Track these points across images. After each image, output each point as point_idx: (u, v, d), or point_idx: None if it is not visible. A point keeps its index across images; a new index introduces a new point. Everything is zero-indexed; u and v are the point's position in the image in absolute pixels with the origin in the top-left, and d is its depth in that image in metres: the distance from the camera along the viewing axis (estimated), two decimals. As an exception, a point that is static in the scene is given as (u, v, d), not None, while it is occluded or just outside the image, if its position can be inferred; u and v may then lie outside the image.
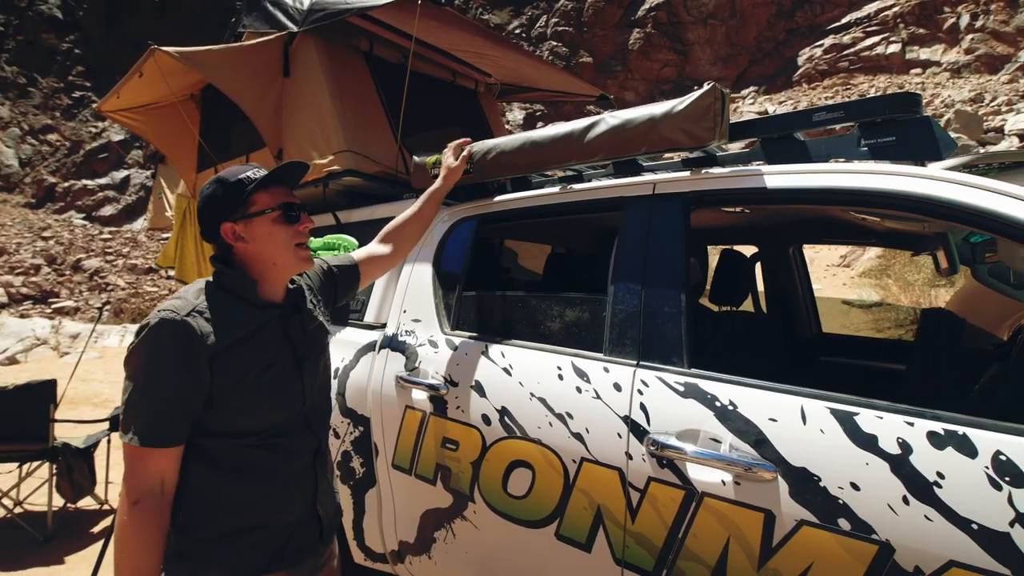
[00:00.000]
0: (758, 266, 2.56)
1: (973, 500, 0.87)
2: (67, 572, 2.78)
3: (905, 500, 0.91)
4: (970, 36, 17.57)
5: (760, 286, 2.62)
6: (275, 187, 1.14)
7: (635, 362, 1.31)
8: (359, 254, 1.55)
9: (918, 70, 18.42)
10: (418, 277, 1.94)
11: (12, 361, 8.85)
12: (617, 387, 1.29)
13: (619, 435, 1.25)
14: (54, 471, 3.17)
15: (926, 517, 0.89)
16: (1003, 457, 0.87)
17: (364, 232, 2.22)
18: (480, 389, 1.56)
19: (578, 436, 1.32)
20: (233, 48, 2.59)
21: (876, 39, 19.54)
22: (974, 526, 0.86)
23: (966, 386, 1.59)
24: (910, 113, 1.16)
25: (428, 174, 1.98)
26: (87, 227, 21.56)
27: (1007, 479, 0.85)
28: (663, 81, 23.78)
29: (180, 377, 1.00)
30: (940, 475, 0.90)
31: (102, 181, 22.58)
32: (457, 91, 3.26)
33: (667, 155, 1.61)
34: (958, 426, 0.92)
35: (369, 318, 2.04)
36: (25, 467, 3.30)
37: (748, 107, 20.80)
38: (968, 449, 0.89)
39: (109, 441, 3.62)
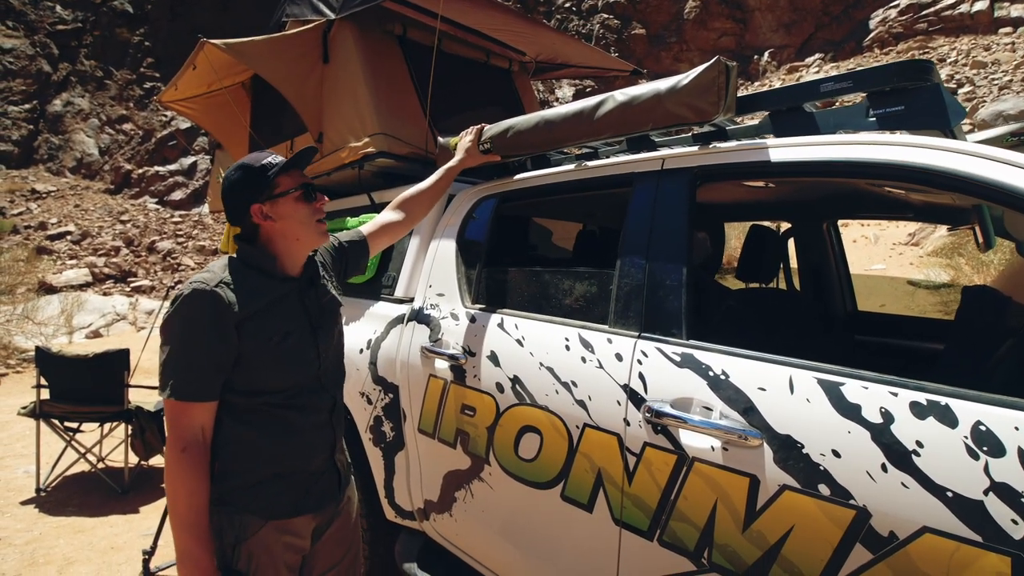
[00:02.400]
0: (791, 242, 2.50)
1: (950, 469, 0.88)
2: (141, 520, 3.12)
3: (883, 468, 0.93)
4: (1071, -12, 15.77)
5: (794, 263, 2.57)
6: (293, 170, 1.27)
7: (637, 333, 1.35)
8: (368, 227, 1.66)
9: (1008, 29, 16.74)
10: (443, 253, 2.03)
11: (96, 334, 9.73)
12: (619, 357, 1.35)
13: (618, 402, 1.30)
14: (129, 431, 3.53)
15: (903, 484, 0.91)
16: (983, 427, 0.87)
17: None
18: (495, 359, 1.64)
19: (581, 403, 1.38)
20: (276, 38, 2.73)
21: (959, -4, 17.84)
22: (949, 494, 0.87)
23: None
24: (919, 81, 1.13)
25: (450, 154, 2.06)
26: (160, 211, 23.06)
27: (984, 448, 0.86)
28: (721, 51, 22.64)
29: (210, 339, 1.12)
30: (919, 444, 0.91)
31: (172, 167, 23.99)
32: (491, 71, 3.30)
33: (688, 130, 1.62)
34: (941, 396, 0.92)
35: (399, 293, 2.16)
36: (105, 427, 3.70)
37: (813, 76, 19.57)
38: (949, 419, 0.90)
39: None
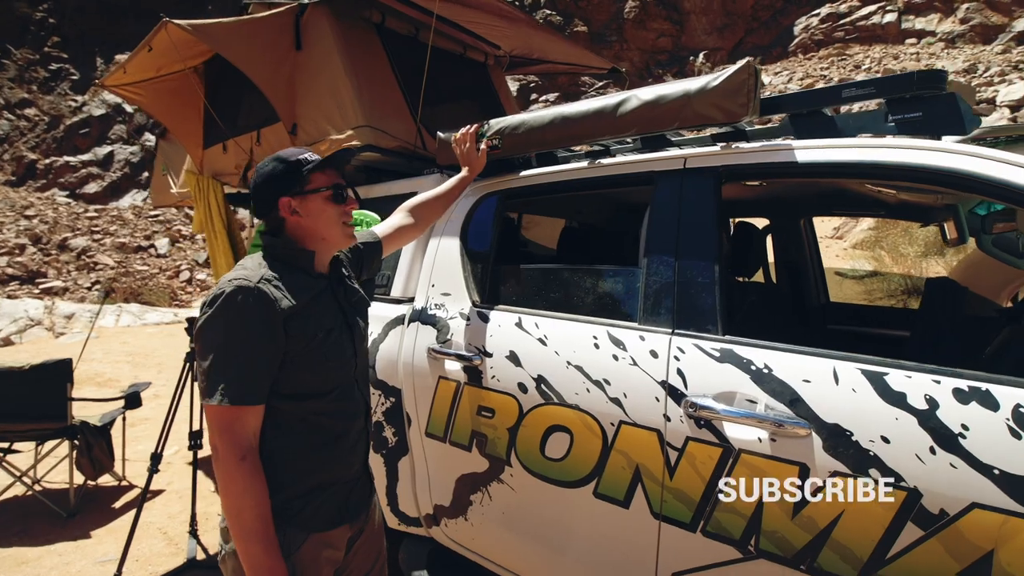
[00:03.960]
0: (769, 238, 2.63)
1: (995, 448, 0.95)
2: (95, 546, 2.87)
3: (932, 450, 1.00)
4: (965, 5, 17.44)
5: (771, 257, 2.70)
6: (329, 169, 1.25)
7: (670, 330, 1.38)
8: (381, 229, 1.64)
9: (913, 40, 18.33)
10: (445, 252, 1.98)
11: (7, 342, 8.80)
12: (654, 354, 1.36)
13: (657, 399, 1.32)
14: (74, 449, 3.22)
15: (951, 465, 0.98)
16: (1023, 409, 0.95)
17: (384, 208, 2.26)
18: (515, 359, 1.62)
19: (616, 401, 1.39)
20: (245, 21, 2.57)
21: (872, 8, 19.34)
22: (995, 471, 0.94)
23: (968, 350, 1.68)
24: (936, 89, 1.22)
25: (452, 150, 2.00)
26: (71, 205, 21.14)
27: (1026, 429, 0.94)
28: (659, 51, 23.45)
29: (260, 338, 1.07)
30: (964, 427, 0.98)
31: (84, 157, 22.05)
32: (467, 64, 3.25)
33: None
34: (981, 383, 1.00)
35: (396, 292, 2.09)
36: (42, 447, 3.35)
37: (742, 78, 20.53)
38: (991, 403, 0.98)
39: (124, 419, 3.68)
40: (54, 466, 3.38)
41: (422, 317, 1.94)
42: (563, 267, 1.80)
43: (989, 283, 2.10)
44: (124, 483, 3.58)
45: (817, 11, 20.51)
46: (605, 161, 1.68)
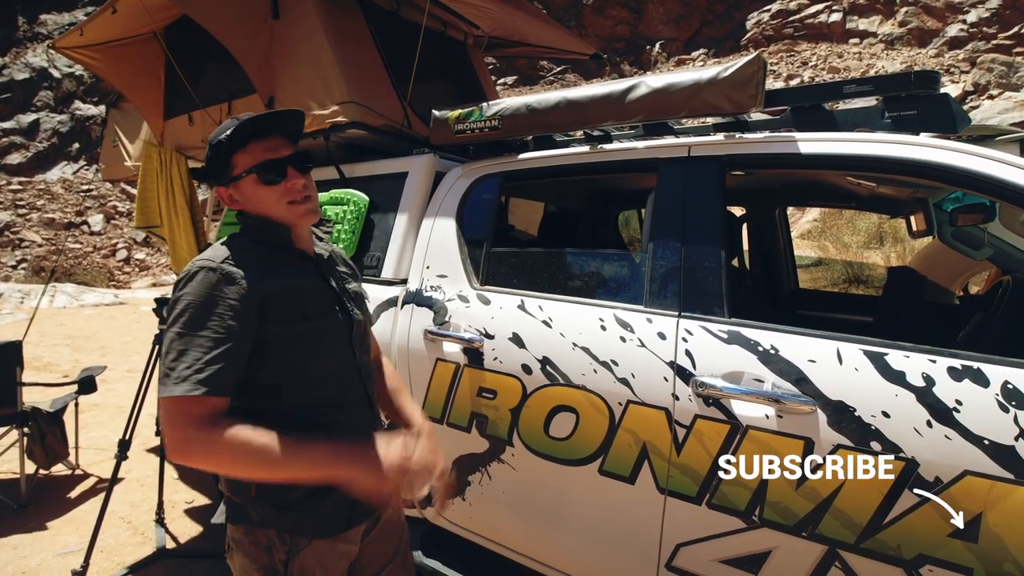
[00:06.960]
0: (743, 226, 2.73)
1: (985, 421, 1.05)
2: (53, 537, 2.71)
3: (929, 424, 1.09)
4: (904, 9, 18.40)
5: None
6: (254, 143, 1.06)
7: (676, 313, 1.43)
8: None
9: (856, 40, 19.21)
10: (440, 234, 1.96)
11: (-75, 324, 8.08)
12: (661, 336, 1.41)
13: (665, 379, 1.37)
14: (25, 436, 3.02)
15: (946, 437, 1.07)
16: (1010, 386, 1.05)
17: (369, 187, 2.21)
18: (519, 341, 1.64)
19: (624, 381, 1.43)
20: (219, -15, 2.41)
21: (820, 7, 20.09)
22: (985, 442, 1.04)
23: (928, 334, 1.82)
24: (930, 89, 1.30)
25: (450, 129, 1.98)
26: (-8, 176, 19.44)
27: (1013, 403, 1.04)
28: (616, 39, 23.62)
29: (223, 321, 0.97)
30: (958, 402, 1.07)
31: (6, 125, 20.28)
32: (447, 42, 3.19)
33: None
34: (973, 362, 1.09)
35: (387, 274, 2.06)
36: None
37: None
38: (982, 380, 1.07)
39: (77, 405, 3.47)
40: (0, 454, 3.16)
41: (417, 299, 1.92)
42: (565, 251, 1.82)
43: (945, 272, 2.27)
44: (78, 472, 3.39)
45: (768, 7, 21.14)
46: (608, 147, 1.70)
